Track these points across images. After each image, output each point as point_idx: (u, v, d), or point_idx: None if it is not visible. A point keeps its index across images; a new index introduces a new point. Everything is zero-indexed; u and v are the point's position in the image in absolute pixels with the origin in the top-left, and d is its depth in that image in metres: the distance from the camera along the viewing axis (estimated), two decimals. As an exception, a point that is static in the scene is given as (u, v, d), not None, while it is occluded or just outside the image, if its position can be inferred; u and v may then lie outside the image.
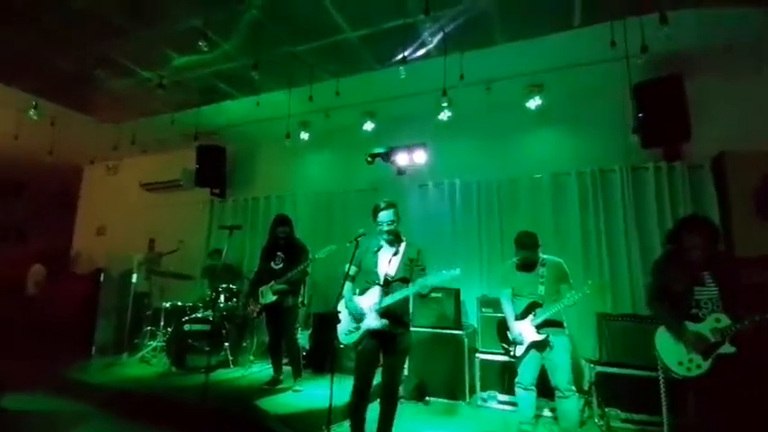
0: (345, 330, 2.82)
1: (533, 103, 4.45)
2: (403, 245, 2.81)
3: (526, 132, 4.94)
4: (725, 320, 2.43)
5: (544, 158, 4.78)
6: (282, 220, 4.22)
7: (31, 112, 4.85)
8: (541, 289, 3.14)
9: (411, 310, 4.33)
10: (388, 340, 2.70)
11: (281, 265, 4.08)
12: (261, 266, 4.26)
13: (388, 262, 2.77)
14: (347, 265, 2.84)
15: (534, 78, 4.39)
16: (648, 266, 4.06)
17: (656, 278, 2.82)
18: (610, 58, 3.74)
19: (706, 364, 2.44)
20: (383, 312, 2.68)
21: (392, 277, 2.73)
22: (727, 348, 2.40)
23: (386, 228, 2.75)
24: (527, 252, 3.23)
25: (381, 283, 2.73)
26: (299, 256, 4.07)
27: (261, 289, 4.09)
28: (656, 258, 3.00)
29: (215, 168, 6.39)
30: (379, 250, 2.82)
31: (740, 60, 3.97)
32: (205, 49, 3.46)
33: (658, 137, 3.93)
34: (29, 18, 3.78)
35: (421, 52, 4.05)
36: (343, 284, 2.86)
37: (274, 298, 3.99)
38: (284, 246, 4.16)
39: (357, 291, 2.88)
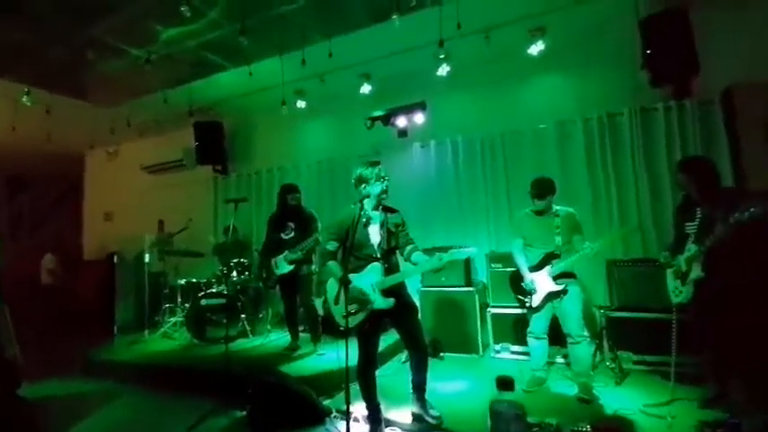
0: (343, 312, 2.46)
1: (535, 48, 4.24)
2: (389, 214, 2.71)
3: (528, 81, 4.77)
4: (693, 249, 2.64)
5: (548, 107, 4.63)
6: (291, 188, 4.18)
7: (24, 98, 4.78)
8: (558, 239, 3.11)
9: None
10: (394, 313, 2.60)
11: (291, 235, 4.06)
12: (270, 237, 4.23)
13: (378, 234, 2.65)
14: (329, 242, 2.70)
15: (535, 21, 4.17)
16: (658, 210, 4.06)
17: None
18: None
19: (685, 290, 2.70)
20: (388, 290, 2.56)
21: (386, 249, 2.63)
22: (696, 273, 2.61)
23: (376, 201, 2.64)
24: (546, 198, 3.17)
25: (379, 256, 2.61)
26: (309, 224, 4.05)
27: (274, 259, 4.10)
28: None
29: (214, 145, 6.34)
30: (368, 223, 2.65)
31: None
32: (188, 15, 3.32)
33: (667, 73, 3.77)
34: (12, 7, 3.68)
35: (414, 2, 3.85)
36: (323, 262, 2.73)
37: (290, 267, 4.00)
38: (294, 215, 4.13)
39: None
